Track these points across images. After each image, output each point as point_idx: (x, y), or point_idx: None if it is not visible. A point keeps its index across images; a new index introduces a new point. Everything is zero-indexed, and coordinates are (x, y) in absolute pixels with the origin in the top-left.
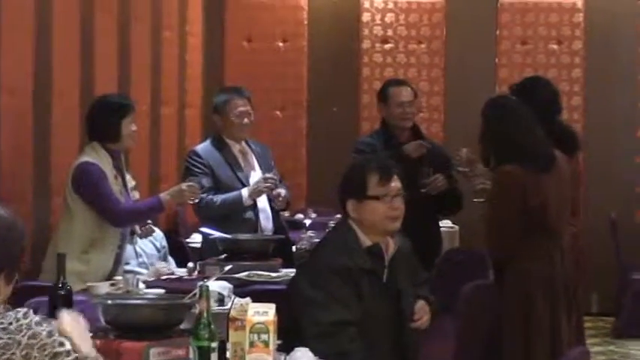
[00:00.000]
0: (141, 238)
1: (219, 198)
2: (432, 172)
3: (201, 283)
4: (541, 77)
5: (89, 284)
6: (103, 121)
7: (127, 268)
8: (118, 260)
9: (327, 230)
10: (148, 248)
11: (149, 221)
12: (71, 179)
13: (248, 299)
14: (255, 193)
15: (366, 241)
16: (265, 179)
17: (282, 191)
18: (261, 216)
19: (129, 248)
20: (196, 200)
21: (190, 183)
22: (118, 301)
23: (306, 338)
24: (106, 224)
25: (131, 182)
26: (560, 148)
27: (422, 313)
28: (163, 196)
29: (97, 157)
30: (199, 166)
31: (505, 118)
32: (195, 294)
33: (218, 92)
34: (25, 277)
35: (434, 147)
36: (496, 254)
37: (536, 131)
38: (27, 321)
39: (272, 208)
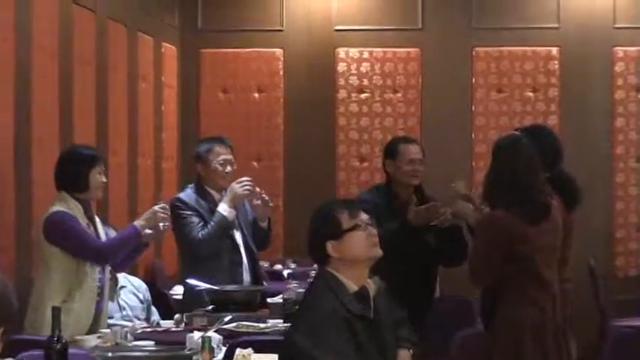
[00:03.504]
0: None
1: (206, 228)
2: (439, 206)
3: (202, 334)
4: (545, 126)
5: (77, 337)
6: (72, 171)
7: (111, 322)
8: (99, 310)
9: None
10: (131, 301)
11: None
12: (43, 231)
13: (250, 350)
14: (234, 200)
15: (351, 285)
16: (240, 182)
17: (264, 196)
18: (243, 267)
19: (111, 303)
20: (167, 224)
21: (162, 204)
22: (119, 354)
23: None
24: (82, 272)
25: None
26: (561, 199)
27: None
28: (137, 222)
29: (67, 206)
30: (188, 209)
31: (519, 157)
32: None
33: (201, 141)
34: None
35: (435, 200)
36: (474, 282)
37: (541, 177)
38: None
39: (252, 258)
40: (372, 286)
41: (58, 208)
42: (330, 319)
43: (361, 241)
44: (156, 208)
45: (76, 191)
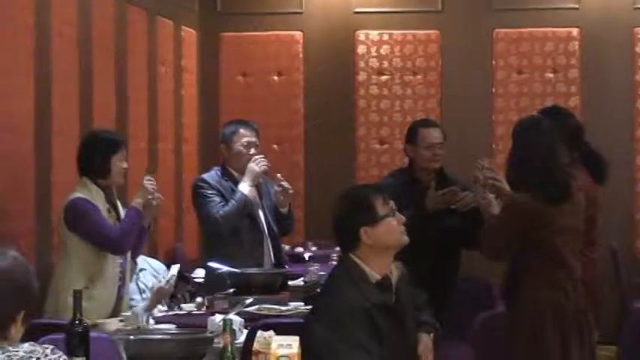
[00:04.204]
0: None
1: (227, 206)
2: (460, 190)
3: (224, 317)
4: (562, 107)
5: (98, 321)
6: (93, 156)
7: (131, 304)
8: (121, 295)
9: (331, 265)
10: (150, 283)
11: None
12: (63, 217)
13: (271, 332)
14: (253, 179)
15: (374, 274)
16: (255, 160)
17: (284, 183)
18: (264, 247)
19: (132, 284)
20: (156, 195)
21: (148, 177)
22: (141, 337)
23: None
24: (103, 258)
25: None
26: (591, 176)
27: (426, 352)
28: (133, 202)
29: (89, 192)
30: (210, 189)
31: (540, 139)
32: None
33: (227, 124)
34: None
35: (457, 182)
36: (483, 253)
37: (562, 158)
38: (55, 356)
39: (274, 240)
40: (394, 272)
41: (79, 194)
42: (351, 312)
43: (394, 228)
44: (143, 182)
45: (98, 177)
